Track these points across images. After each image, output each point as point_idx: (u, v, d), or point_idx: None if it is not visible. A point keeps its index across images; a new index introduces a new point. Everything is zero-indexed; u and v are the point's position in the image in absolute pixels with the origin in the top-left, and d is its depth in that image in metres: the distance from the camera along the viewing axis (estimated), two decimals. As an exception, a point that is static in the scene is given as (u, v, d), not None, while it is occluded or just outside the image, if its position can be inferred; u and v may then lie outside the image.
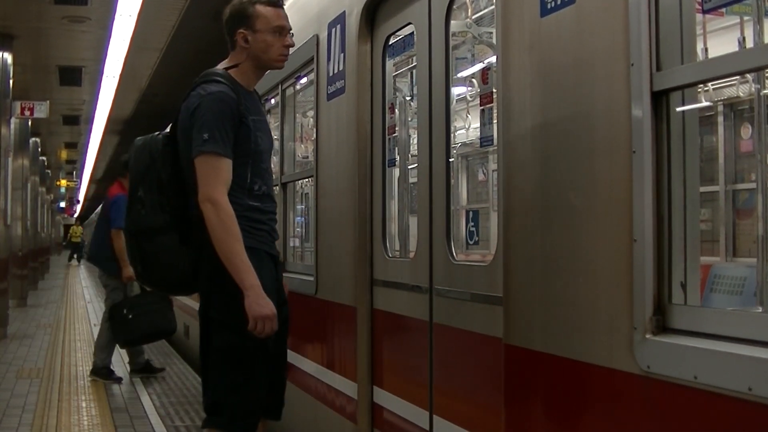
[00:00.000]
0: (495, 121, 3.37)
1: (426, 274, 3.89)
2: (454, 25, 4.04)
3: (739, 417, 2.13)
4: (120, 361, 10.25)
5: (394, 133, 4.54)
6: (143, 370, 9.12)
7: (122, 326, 8.20)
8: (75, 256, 48.44)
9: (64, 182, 40.94)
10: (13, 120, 16.22)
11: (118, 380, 8.77)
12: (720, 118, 8.43)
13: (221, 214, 3.52)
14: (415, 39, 4.19)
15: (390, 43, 4.50)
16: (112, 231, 8.36)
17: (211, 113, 3.61)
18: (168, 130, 3.91)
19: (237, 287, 3.54)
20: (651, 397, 2.40)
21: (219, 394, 3.71)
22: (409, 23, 4.22)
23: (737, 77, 6.58)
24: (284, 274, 5.96)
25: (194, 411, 7.41)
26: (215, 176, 3.57)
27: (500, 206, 3.21)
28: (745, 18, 5.47)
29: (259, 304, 3.50)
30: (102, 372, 8.82)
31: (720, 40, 6.19)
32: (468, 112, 10.03)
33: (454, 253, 3.70)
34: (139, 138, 3.94)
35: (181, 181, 3.76)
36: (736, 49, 5.64)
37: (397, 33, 4.45)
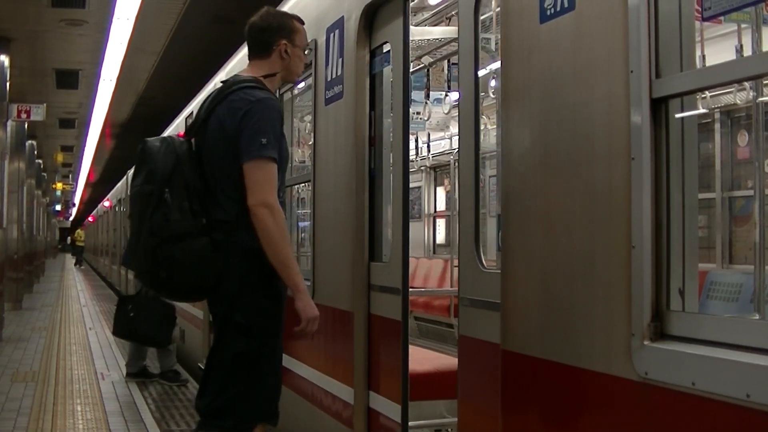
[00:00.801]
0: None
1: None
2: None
3: (737, 423, 2.13)
4: (116, 365, 10.23)
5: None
6: (139, 374, 9.14)
7: (122, 320, 8.26)
8: (81, 259, 48.48)
9: (60, 185, 40.86)
10: (9, 123, 16.19)
11: (184, 382, 8.95)
12: (717, 126, 8.45)
13: (277, 218, 3.58)
14: (392, 56, 4.36)
15: (386, 50, 4.52)
16: None
17: (266, 119, 3.65)
18: (185, 134, 3.91)
19: (270, 292, 3.62)
20: (649, 404, 2.40)
21: (228, 399, 3.69)
22: (386, 41, 4.41)
23: (734, 85, 6.59)
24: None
25: (189, 415, 7.40)
26: (270, 181, 3.62)
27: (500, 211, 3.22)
28: (743, 26, 5.48)
29: (311, 306, 3.63)
30: (168, 375, 9.00)
31: (717, 47, 6.21)
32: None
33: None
34: (152, 139, 3.86)
35: (204, 186, 3.75)
36: (733, 56, 5.65)
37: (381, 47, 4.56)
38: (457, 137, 11.84)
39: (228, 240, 3.66)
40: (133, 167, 3.99)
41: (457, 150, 12.35)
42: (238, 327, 3.70)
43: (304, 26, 3.97)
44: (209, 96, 3.96)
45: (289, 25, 3.89)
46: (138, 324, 7.96)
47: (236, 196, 3.64)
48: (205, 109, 3.86)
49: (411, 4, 5.23)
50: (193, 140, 3.87)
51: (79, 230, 53.44)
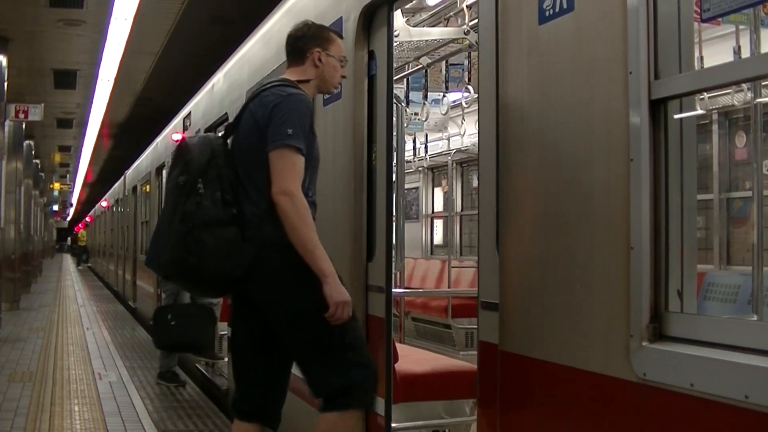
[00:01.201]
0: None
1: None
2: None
3: (735, 425, 2.13)
4: (113, 365, 10.22)
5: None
6: (165, 377, 9.06)
7: (162, 330, 8.30)
8: (84, 258, 48.46)
9: (57, 185, 40.83)
10: (7, 123, 16.19)
11: (182, 384, 8.87)
12: (715, 127, 8.45)
13: (297, 204, 3.63)
14: (377, 65, 4.42)
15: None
16: None
17: (295, 112, 3.73)
18: (220, 130, 3.96)
19: (305, 279, 3.62)
20: (647, 405, 2.40)
21: (348, 376, 3.69)
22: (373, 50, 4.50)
23: (732, 86, 6.60)
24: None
25: (187, 416, 7.40)
26: (292, 170, 3.67)
27: (498, 212, 3.22)
28: (741, 27, 5.49)
29: (339, 291, 3.61)
30: (167, 376, 8.91)
31: (715, 49, 6.21)
32: (463, 118, 10.07)
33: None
34: (191, 137, 3.99)
35: (236, 180, 3.81)
36: (731, 57, 5.66)
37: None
38: (455, 138, 11.81)
39: (257, 233, 3.71)
40: (170, 163, 4.02)
41: (455, 150, 12.35)
42: (308, 315, 3.71)
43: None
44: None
45: (324, 35, 4.01)
46: (180, 331, 8.00)
47: (266, 190, 3.70)
48: (241, 108, 3.98)
49: (409, 5, 5.25)
50: (228, 139, 3.96)
51: (81, 230, 53.45)
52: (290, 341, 3.82)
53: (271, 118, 3.72)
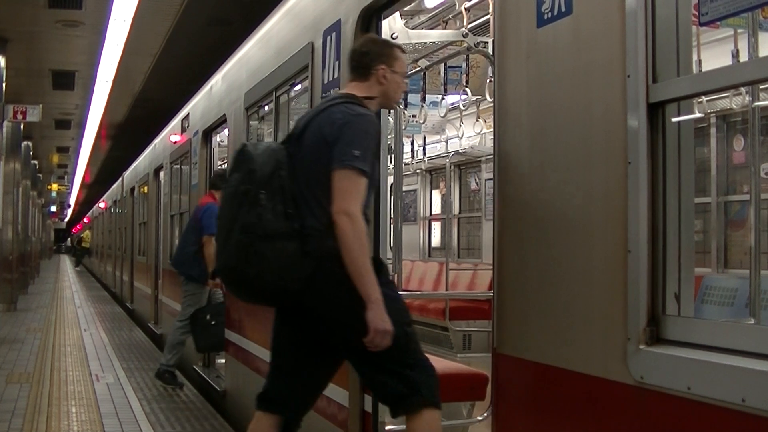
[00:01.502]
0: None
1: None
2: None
3: (732, 428, 2.13)
4: (110, 367, 10.21)
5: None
6: (164, 378, 9.01)
7: (203, 331, 8.34)
8: (81, 261, 48.48)
9: (55, 186, 40.85)
10: (5, 123, 16.20)
11: (180, 386, 8.85)
12: (713, 130, 8.46)
13: (356, 226, 3.61)
14: None
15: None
16: (204, 237, 8.49)
17: (364, 133, 3.71)
18: (283, 142, 3.95)
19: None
20: (644, 408, 2.40)
21: (409, 379, 3.69)
22: None
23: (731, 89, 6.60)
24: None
25: (184, 417, 7.39)
26: (356, 192, 3.66)
27: (495, 215, 3.22)
28: (739, 30, 5.49)
29: (382, 318, 3.58)
30: (165, 376, 8.90)
31: (713, 52, 6.22)
32: (461, 121, 10.06)
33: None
34: (251, 142, 3.93)
35: (299, 193, 3.79)
36: (730, 61, 5.66)
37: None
38: (453, 140, 11.77)
39: (318, 247, 3.69)
40: (230, 167, 4.00)
41: (453, 153, 12.33)
42: (343, 331, 3.74)
43: (396, 47, 4.03)
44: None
45: (389, 52, 3.98)
46: (219, 330, 8.04)
47: (328, 205, 3.69)
48: (305, 121, 3.94)
49: (407, 7, 5.25)
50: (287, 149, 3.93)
51: (87, 232, 53.36)
52: (347, 349, 3.82)
53: (338, 136, 3.70)
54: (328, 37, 5.04)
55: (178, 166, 11.46)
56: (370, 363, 3.76)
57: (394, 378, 3.70)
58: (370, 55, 3.96)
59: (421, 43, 6.12)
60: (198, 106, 10.00)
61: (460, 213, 14.20)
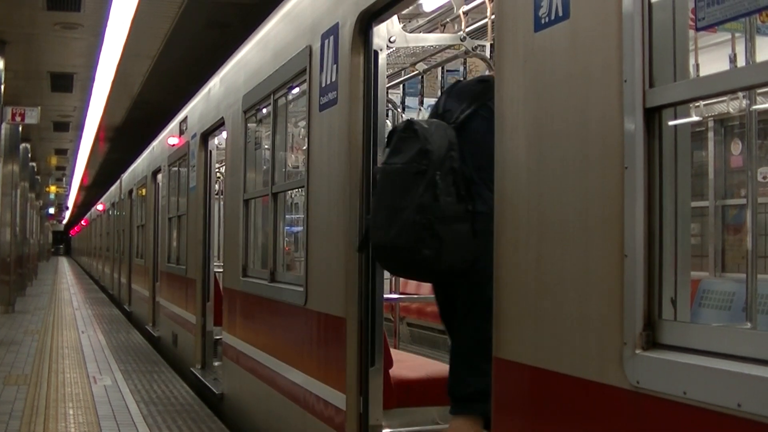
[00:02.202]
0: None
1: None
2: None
3: (728, 433, 2.13)
4: (108, 369, 10.20)
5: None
6: None
7: None
8: None
9: (53, 188, 40.82)
10: (3, 125, 16.19)
11: None
12: (710, 134, 8.47)
13: None
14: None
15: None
16: None
17: None
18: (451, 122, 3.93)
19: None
20: (640, 413, 2.40)
21: (480, 381, 3.61)
22: None
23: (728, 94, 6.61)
24: (273, 284, 5.97)
25: (182, 419, 7.39)
26: None
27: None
28: (737, 35, 5.50)
29: None
30: None
31: (711, 56, 6.23)
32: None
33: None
34: (419, 121, 3.89)
35: (468, 175, 3.79)
36: (727, 65, 5.67)
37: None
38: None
39: (485, 230, 3.60)
40: (389, 145, 3.98)
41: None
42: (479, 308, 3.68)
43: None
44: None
45: None
46: None
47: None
48: (468, 103, 3.91)
49: (405, 11, 5.26)
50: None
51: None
52: (468, 327, 3.84)
53: None
54: (326, 41, 5.04)
55: (176, 168, 11.46)
56: (465, 351, 3.78)
57: (473, 375, 3.71)
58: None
59: (418, 46, 6.12)
60: (196, 108, 10.00)
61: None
